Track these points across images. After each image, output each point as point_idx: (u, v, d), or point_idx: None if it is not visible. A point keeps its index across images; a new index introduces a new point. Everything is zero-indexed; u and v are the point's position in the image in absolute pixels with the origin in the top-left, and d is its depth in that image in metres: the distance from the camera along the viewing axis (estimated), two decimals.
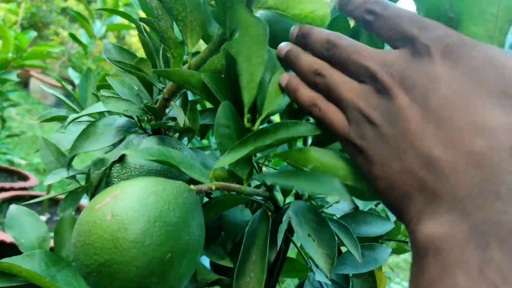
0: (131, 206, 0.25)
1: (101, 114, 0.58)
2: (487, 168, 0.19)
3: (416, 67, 0.24)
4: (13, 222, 0.49)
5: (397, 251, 0.76)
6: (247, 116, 0.32)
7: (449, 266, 0.19)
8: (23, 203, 0.52)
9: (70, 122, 0.46)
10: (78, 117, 0.47)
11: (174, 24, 0.39)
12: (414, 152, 0.22)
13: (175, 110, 0.38)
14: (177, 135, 0.46)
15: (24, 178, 2.00)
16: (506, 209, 0.18)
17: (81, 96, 0.64)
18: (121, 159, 0.37)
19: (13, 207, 0.50)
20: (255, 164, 0.37)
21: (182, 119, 0.37)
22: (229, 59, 0.34)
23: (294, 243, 0.50)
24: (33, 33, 1.24)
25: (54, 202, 1.81)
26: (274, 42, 0.35)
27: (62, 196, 1.78)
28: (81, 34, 1.61)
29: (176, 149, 0.39)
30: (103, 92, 0.41)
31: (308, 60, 0.31)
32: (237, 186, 0.33)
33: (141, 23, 0.43)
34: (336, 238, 0.37)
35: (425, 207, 0.22)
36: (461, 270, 0.18)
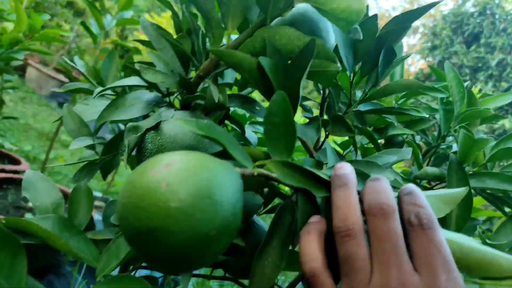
0: (185, 179, 0.26)
1: (123, 90, 0.60)
2: None
3: None
4: (29, 186, 0.50)
5: None
6: None
7: None
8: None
9: (98, 94, 0.48)
10: (107, 89, 0.48)
11: None
12: None
13: (210, 86, 0.40)
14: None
15: (15, 162, 1.98)
16: None
17: (103, 75, 0.65)
18: (156, 127, 0.39)
19: (29, 172, 0.51)
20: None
21: (217, 95, 0.39)
22: (271, 46, 0.37)
23: None
24: (45, 16, 1.25)
25: None
26: None
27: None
28: (92, 24, 1.62)
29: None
30: (138, 65, 0.43)
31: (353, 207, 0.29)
32: (275, 175, 0.34)
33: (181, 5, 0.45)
34: None
35: None
36: None
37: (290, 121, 0.33)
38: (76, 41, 4.13)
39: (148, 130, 0.39)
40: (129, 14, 1.67)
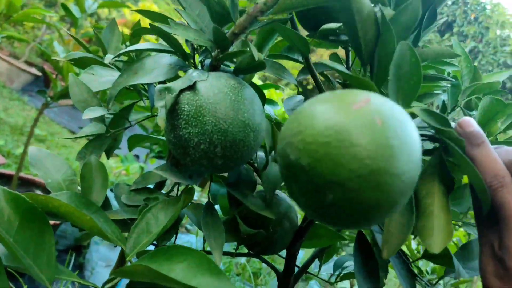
0: (393, 115, 0.23)
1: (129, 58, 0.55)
2: None
3: None
4: (37, 162, 0.45)
5: None
6: None
7: None
8: None
9: (114, 58, 0.44)
10: (123, 53, 0.44)
11: None
12: None
13: (248, 44, 0.36)
14: None
15: None
16: None
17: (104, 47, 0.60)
18: (191, 87, 0.35)
19: (33, 148, 0.46)
20: None
21: (256, 52, 0.36)
22: None
23: None
24: None
25: (23, 182, 1.71)
26: None
27: (31, 176, 1.68)
28: (72, 8, 1.54)
29: (245, 85, 0.38)
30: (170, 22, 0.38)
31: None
32: None
33: None
34: None
35: None
36: None
37: (417, 71, 0.30)
38: (48, 33, 3.96)
39: (183, 90, 0.35)
40: None
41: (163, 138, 0.72)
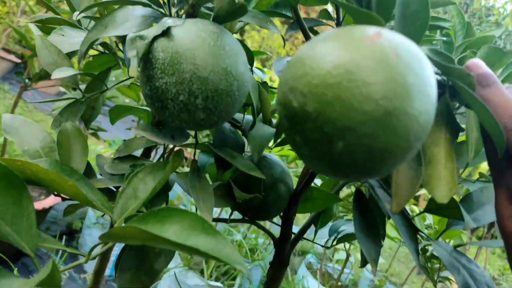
0: (407, 50, 0.21)
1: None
2: None
3: None
4: (11, 129, 0.42)
5: None
6: None
7: None
8: None
9: (83, 11, 0.40)
10: (91, 7, 0.40)
11: None
12: None
13: None
14: None
15: None
16: None
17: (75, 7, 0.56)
18: (165, 34, 0.32)
19: (6, 116, 0.43)
20: None
21: None
22: None
23: None
24: None
25: None
26: None
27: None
28: None
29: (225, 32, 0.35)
30: None
31: None
32: None
33: None
34: None
35: None
36: None
37: (424, 10, 0.28)
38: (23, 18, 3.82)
39: (156, 38, 0.32)
40: None
41: (147, 108, 0.69)
